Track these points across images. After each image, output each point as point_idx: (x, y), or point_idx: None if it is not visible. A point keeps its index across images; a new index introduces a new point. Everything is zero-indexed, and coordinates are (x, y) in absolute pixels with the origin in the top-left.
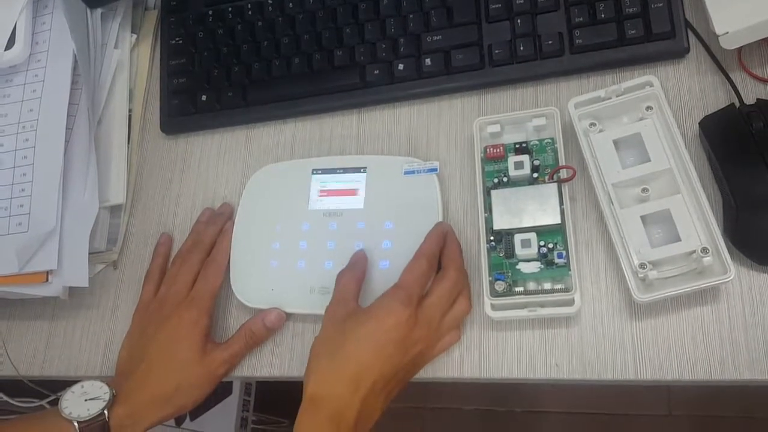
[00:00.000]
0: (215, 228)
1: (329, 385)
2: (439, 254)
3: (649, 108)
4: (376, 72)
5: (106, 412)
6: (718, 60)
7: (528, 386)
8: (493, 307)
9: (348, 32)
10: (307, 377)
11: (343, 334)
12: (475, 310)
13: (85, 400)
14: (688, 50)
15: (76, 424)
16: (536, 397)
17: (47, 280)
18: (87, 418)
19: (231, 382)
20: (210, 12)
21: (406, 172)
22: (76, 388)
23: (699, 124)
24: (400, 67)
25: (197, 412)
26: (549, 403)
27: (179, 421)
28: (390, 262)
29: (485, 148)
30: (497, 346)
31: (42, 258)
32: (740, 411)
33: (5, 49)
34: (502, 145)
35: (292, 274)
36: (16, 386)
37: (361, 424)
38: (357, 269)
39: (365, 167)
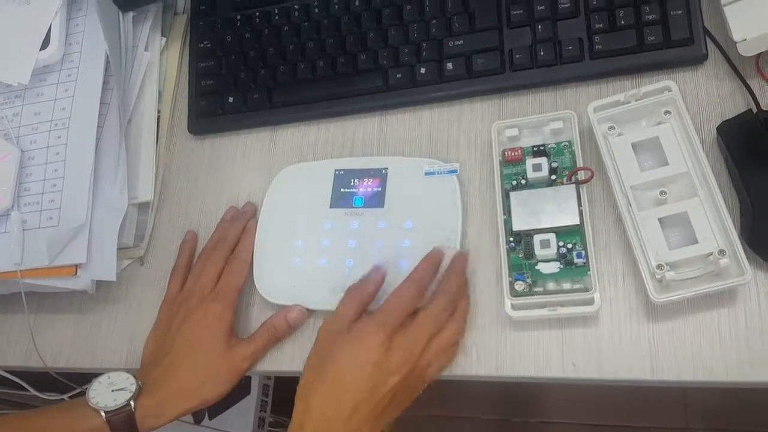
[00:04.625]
0: (239, 226)
1: (316, 407)
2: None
3: (667, 112)
4: (399, 75)
5: (132, 402)
6: (736, 66)
7: (545, 396)
8: (513, 307)
9: (372, 37)
10: (297, 395)
11: (329, 353)
12: (495, 310)
13: (112, 391)
14: (706, 56)
15: (103, 413)
16: (553, 408)
17: (76, 273)
18: (114, 408)
19: (249, 383)
20: (238, 17)
21: (427, 173)
22: (103, 378)
23: (717, 128)
24: (422, 71)
25: (216, 410)
26: (566, 414)
27: (198, 419)
28: (409, 261)
29: (503, 152)
30: (515, 346)
31: (71, 252)
32: (758, 425)
33: (40, 50)
34: (520, 148)
35: (313, 271)
36: (42, 380)
37: None
38: (367, 288)
39: (386, 168)
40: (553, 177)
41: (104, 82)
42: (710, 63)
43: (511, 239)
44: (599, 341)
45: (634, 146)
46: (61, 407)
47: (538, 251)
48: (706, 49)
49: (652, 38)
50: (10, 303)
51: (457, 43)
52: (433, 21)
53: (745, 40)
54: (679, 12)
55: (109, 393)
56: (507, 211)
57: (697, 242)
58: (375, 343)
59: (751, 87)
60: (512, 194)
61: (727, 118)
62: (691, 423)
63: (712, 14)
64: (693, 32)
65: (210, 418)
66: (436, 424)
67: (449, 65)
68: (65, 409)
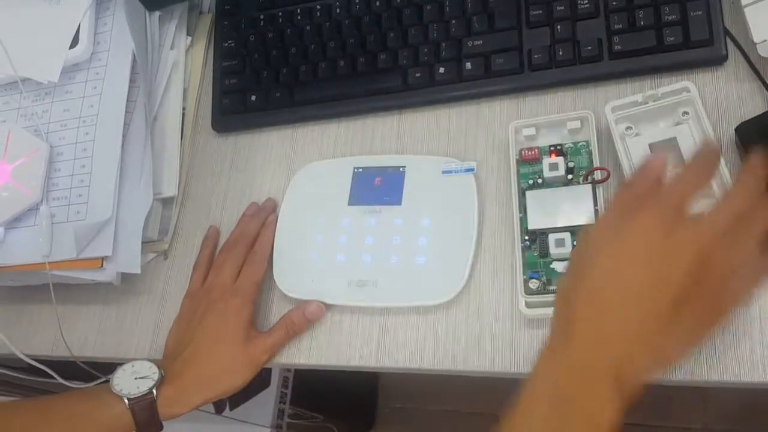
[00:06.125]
0: (260, 221)
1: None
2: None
3: (685, 113)
4: (418, 75)
5: (154, 390)
6: (756, 68)
7: None
8: (528, 305)
9: (392, 36)
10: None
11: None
12: (509, 307)
13: (135, 379)
14: (726, 58)
15: (126, 400)
16: None
17: (102, 266)
18: (136, 395)
19: (270, 375)
20: (261, 16)
21: (444, 172)
22: (127, 366)
23: (735, 130)
24: (441, 70)
25: (237, 401)
26: None
27: (219, 409)
28: (426, 258)
29: (520, 151)
30: (529, 343)
31: (98, 245)
32: None
33: (69, 48)
34: (537, 147)
35: (331, 267)
36: (68, 369)
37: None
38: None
39: (404, 166)
40: (570, 177)
41: (131, 80)
42: (730, 64)
43: (527, 237)
44: None
45: (651, 147)
46: (85, 393)
47: (553, 250)
48: (726, 50)
49: (672, 39)
50: (39, 294)
51: (476, 43)
52: (453, 21)
53: (765, 41)
54: (699, 13)
55: (132, 381)
56: (523, 209)
57: None
58: (648, 227)
59: None
60: (528, 193)
61: (746, 119)
62: (709, 423)
63: (732, 15)
64: (713, 33)
65: (231, 409)
66: (449, 419)
67: (468, 65)
68: (89, 395)
